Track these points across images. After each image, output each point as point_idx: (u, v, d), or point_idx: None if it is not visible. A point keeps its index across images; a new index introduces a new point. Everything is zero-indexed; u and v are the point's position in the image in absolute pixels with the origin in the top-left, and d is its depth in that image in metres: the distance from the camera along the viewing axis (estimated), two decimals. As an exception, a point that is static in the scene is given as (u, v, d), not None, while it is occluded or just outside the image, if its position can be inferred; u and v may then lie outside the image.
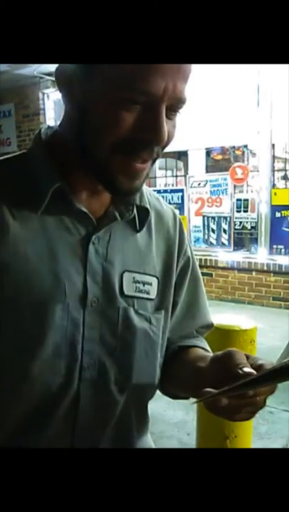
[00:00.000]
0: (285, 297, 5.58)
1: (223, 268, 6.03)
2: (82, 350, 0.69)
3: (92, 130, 0.64)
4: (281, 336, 4.07)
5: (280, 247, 5.72)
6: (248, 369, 0.59)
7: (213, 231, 6.27)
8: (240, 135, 5.95)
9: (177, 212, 0.89)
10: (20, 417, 0.69)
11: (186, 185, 6.47)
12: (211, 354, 0.78)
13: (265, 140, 5.74)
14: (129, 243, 0.76)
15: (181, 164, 8.09)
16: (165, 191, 6.64)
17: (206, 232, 6.33)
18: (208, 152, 7.79)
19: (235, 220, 6.04)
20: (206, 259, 6.08)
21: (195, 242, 6.39)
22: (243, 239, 6.19)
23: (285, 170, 6.72)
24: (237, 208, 6.01)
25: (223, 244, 6.18)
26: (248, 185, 6.21)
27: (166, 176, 7.42)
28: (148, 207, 0.77)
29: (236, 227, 6.05)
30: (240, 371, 0.58)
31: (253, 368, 0.59)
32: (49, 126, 0.75)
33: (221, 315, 2.13)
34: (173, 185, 7.02)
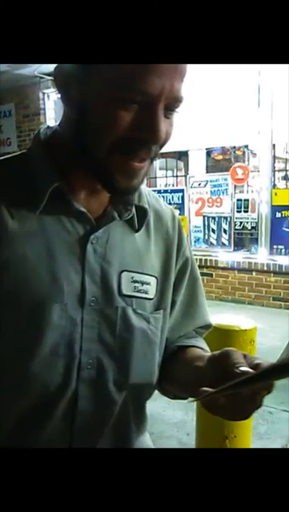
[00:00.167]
0: (285, 297, 5.58)
1: (223, 268, 6.03)
2: (81, 349, 0.69)
3: (90, 130, 0.64)
4: (281, 336, 4.07)
5: (280, 247, 5.72)
6: (244, 368, 0.59)
7: (213, 231, 6.27)
8: (240, 135, 5.94)
9: (176, 212, 0.89)
10: (18, 416, 0.69)
11: (186, 185, 6.47)
12: (209, 354, 0.78)
13: (266, 140, 5.73)
14: (128, 243, 0.76)
15: (181, 164, 8.09)
16: (165, 191, 6.65)
17: (207, 232, 6.33)
18: (209, 152, 7.79)
19: (235, 220, 6.04)
20: (206, 260, 6.08)
21: (195, 242, 6.40)
22: (244, 239, 6.19)
23: (286, 170, 6.72)
24: (237, 208, 6.01)
25: (224, 244, 6.18)
26: (248, 186, 6.21)
27: (166, 176, 7.42)
28: (146, 207, 0.78)
29: (236, 227, 6.05)
30: (237, 370, 0.58)
31: (250, 367, 0.59)
32: (48, 126, 0.75)
33: (221, 315, 2.13)
34: (173, 185, 7.02)
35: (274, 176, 6.05)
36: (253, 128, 5.74)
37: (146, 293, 0.76)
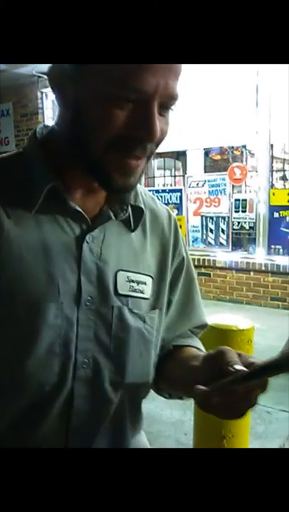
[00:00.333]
0: (283, 297, 5.59)
1: (221, 268, 6.04)
2: (76, 348, 0.69)
3: (86, 128, 0.64)
4: (279, 336, 4.07)
5: (278, 247, 5.72)
6: (238, 366, 0.59)
7: (211, 231, 6.27)
8: (238, 135, 5.95)
9: (173, 212, 0.89)
10: (14, 414, 0.69)
11: (184, 185, 6.47)
12: (204, 353, 0.78)
13: (264, 140, 5.74)
14: (124, 242, 0.76)
15: (179, 164, 8.08)
16: (163, 191, 6.65)
17: (204, 232, 6.33)
18: (207, 152, 7.79)
19: (233, 220, 6.04)
20: (204, 259, 6.09)
21: (193, 242, 6.40)
22: (241, 239, 6.19)
23: (284, 170, 6.72)
24: (235, 208, 6.02)
25: (222, 244, 6.18)
26: (246, 186, 6.20)
27: (164, 176, 7.42)
28: (142, 206, 0.78)
29: (234, 227, 6.05)
30: (231, 368, 0.59)
31: (245, 366, 0.60)
32: (44, 126, 0.75)
33: (218, 315, 2.13)
34: (171, 185, 7.02)
35: (272, 176, 6.05)
36: (251, 128, 5.74)
37: (142, 292, 0.76)
